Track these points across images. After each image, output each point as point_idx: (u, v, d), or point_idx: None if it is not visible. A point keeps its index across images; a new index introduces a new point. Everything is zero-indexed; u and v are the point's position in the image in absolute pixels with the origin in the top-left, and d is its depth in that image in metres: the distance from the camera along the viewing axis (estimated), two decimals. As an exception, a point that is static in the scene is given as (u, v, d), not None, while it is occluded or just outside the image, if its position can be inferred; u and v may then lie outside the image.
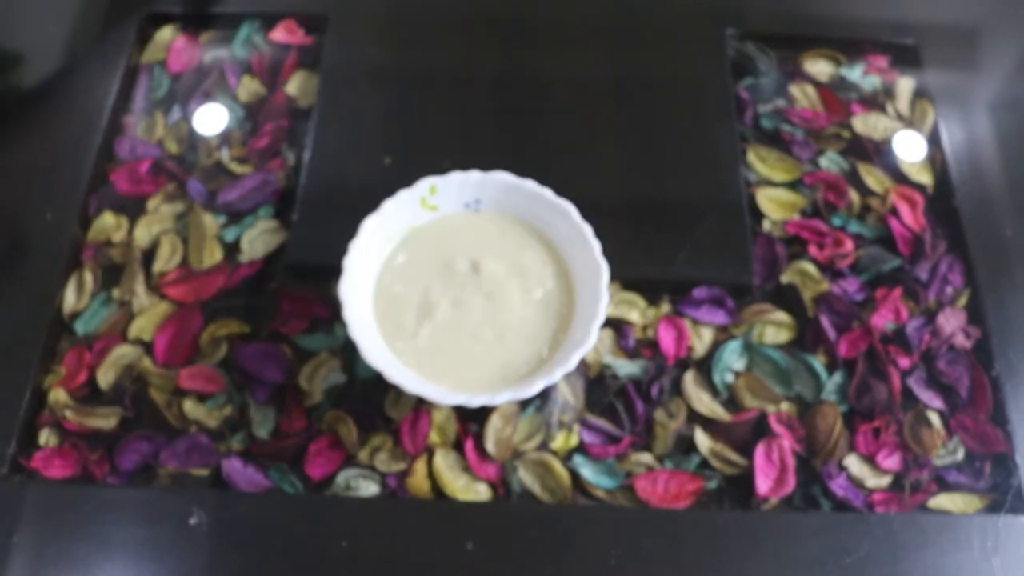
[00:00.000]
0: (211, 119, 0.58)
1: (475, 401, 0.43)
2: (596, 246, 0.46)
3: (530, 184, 0.48)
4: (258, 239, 0.53)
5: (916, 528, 0.44)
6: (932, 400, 0.49)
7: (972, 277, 0.53)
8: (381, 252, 0.48)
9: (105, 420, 0.47)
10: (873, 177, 0.57)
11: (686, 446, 0.47)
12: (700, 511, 0.45)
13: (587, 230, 0.47)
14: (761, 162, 0.57)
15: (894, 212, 0.55)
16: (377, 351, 0.44)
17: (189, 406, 0.47)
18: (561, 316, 0.47)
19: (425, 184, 0.48)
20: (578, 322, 0.46)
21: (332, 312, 0.50)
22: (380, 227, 0.47)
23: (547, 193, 0.48)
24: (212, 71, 0.60)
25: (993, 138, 0.58)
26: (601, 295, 0.45)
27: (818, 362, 0.50)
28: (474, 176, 0.49)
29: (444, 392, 0.43)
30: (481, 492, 0.46)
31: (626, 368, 0.49)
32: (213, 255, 0.53)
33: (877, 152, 0.58)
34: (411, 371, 0.45)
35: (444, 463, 0.46)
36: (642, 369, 0.49)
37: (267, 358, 0.49)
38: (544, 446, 0.47)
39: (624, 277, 0.51)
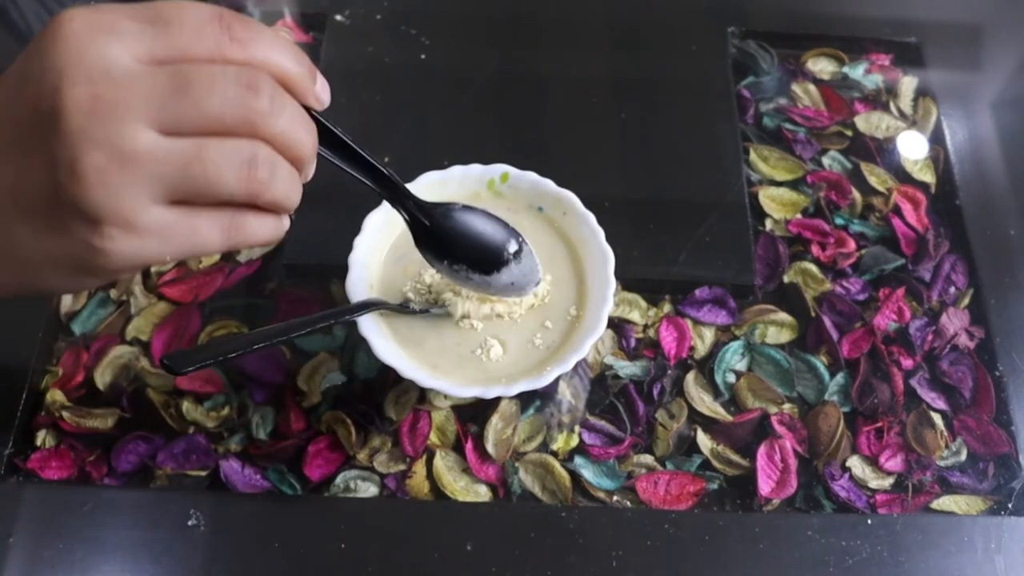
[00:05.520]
0: (209, 117, 0.58)
1: (490, 393, 0.42)
2: (600, 233, 0.46)
3: (531, 175, 0.48)
4: (256, 238, 0.53)
5: (919, 530, 0.44)
6: (935, 401, 0.49)
7: (975, 277, 0.52)
8: (384, 247, 0.48)
9: (102, 421, 0.47)
10: (875, 176, 0.56)
11: (687, 447, 0.47)
12: (701, 512, 0.45)
13: (591, 218, 0.47)
14: (763, 161, 0.57)
15: (897, 211, 0.55)
16: (388, 347, 0.44)
17: (187, 407, 0.47)
18: (570, 304, 0.47)
19: (427, 179, 0.48)
20: (588, 310, 0.45)
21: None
22: (383, 222, 0.47)
23: (549, 183, 0.48)
24: (210, 69, 0.60)
25: (996, 136, 0.58)
26: (609, 281, 0.45)
27: (820, 362, 0.49)
28: (475, 169, 0.48)
29: (458, 385, 0.43)
30: (481, 493, 0.45)
31: (627, 368, 0.49)
32: (211, 255, 0.52)
33: (879, 151, 0.58)
34: (423, 366, 0.45)
35: (444, 464, 0.46)
36: (643, 369, 0.49)
37: (265, 358, 0.48)
38: (545, 447, 0.47)
39: (625, 277, 0.51)
